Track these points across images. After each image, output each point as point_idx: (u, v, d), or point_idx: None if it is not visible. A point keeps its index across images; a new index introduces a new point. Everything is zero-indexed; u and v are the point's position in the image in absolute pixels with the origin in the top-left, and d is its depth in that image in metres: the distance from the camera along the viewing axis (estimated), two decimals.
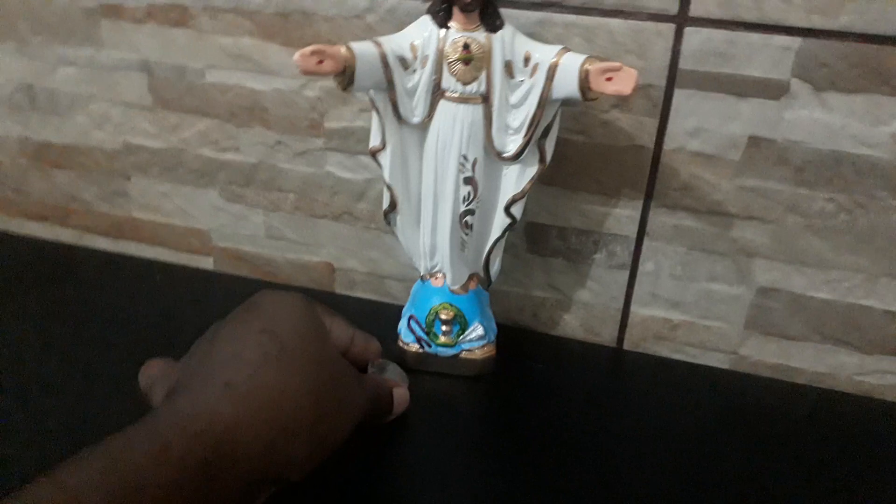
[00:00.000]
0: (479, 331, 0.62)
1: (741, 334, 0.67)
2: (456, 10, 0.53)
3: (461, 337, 0.62)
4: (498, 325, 0.67)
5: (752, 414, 0.63)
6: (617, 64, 0.49)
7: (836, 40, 0.55)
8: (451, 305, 0.61)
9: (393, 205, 0.60)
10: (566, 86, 0.53)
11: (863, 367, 0.66)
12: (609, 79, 0.50)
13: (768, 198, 0.61)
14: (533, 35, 0.59)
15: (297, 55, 0.49)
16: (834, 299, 0.64)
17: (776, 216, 0.62)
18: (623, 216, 0.66)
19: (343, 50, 0.51)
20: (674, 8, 0.57)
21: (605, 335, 0.72)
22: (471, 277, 0.63)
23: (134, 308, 0.72)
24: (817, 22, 0.55)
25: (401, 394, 0.55)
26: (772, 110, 0.58)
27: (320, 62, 0.50)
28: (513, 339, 0.70)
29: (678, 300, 0.68)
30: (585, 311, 0.71)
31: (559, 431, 0.59)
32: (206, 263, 0.81)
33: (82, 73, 0.74)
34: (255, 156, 0.73)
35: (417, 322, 0.62)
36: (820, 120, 0.58)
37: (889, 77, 0.55)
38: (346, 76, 0.52)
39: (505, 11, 0.57)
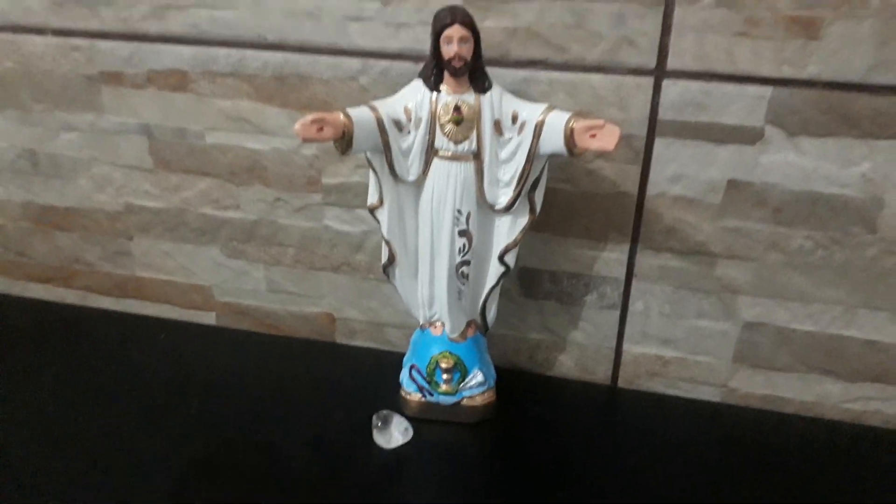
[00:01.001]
0: (479, 377, 0.64)
1: (730, 368, 0.70)
2: (446, 74, 0.56)
3: (462, 384, 0.64)
4: (496, 368, 0.69)
5: (745, 445, 0.66)
6: (600, 122, 0.52)
7: (805, 88, 0.59)
8: (450, 354, 0.64)
9: (391, 258, 0.62)
10: (553, 142, 0.56)
11: (847, 394, 0.68)
12: (593, 135, 0.53)
13: (749, 237, 0.64)
14: (519, 91, 0.62)
15: (297, 125, 0.51)
16: (816, 331, 0.66)
17: (757, 254, 0.65)
18: (611, 259, 0.69)
19: (341, 117, 0.54)
20: (652, 62, 0.60)
21: (600, 374, 0.74)
22: (469, 325, 0.66)
23: (140, 366, 0.74)
24: (787, 72, 0.58)
25: None
26: (748, 155, 0.61)
27: (320, 129, 0.53)
28: (511, 381, 0.72)
29: (668, 337, 0.70)
30: (580, 351, 0.74)
31: (560, 471, 0.61)
32: (209, 319, 0.83)
33: (84, 137, 0.77)
34: (256, 213, 0.75)
35: (419, 371, 0.64)
36: (794, 163, 0.61)
37: (857, 121, 0.58)
38: (344, 141, 0.55)
39: (492, 70, 0.60)
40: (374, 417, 0.62)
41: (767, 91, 0.59)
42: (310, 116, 0.52)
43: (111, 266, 0.83)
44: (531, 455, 0.63)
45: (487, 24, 0.62)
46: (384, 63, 0.65)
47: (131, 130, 0.75)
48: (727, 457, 0.64)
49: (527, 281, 0.72)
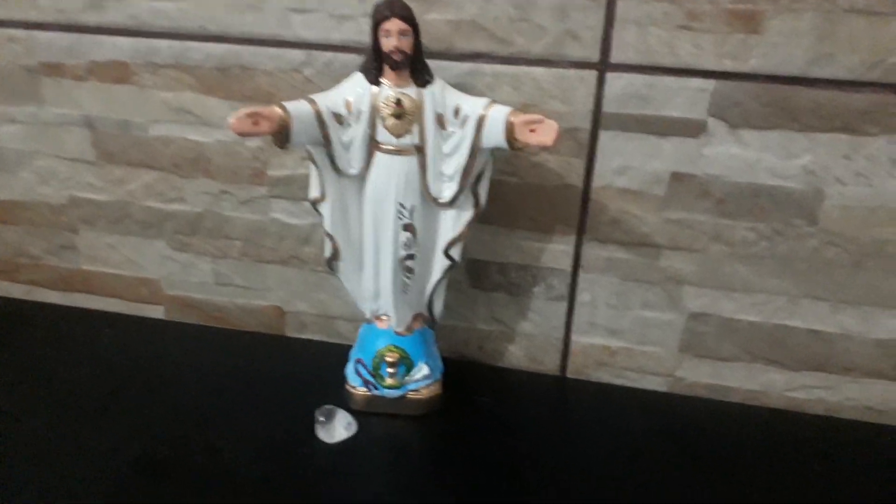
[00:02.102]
0: (425, 370, 0.64)
1: (676, 358, 0.71)
2: (387, 68, 0.55)
3: (407, 378, 0.64)
4: (445, 359, 0.69)
5: (692, 434, 0.66)
6: (539, 116, 0.52)
7: (747, 81, 0.59)
8: (396, 347, 0.63)
9: (335, 252, 0.62)
10: (494, 136, 0.55)
11: (791, 383, 0.69)
12: (532, 130, 0.53)
13: (693, 228, 0.65)
14: (464, 84, 0.62)
15: (232, 118, 0.51)
16: (760, 321, 0.67)
17: (701, 245, 0.65)
18: (558, 251, 0.69)
19: (278, 110, 0.53)
20: (595, 56, 0.60)
21: (549, 364, 0.74)
22: (415, 318, 0.66)
23: (84, 361, 0.73)
24: (729, 65, 0.59)
25: None
26: (691, 147, 0.62)
27: (256, 123, 0.52)
28: (460, 372, 0.72)
29: (615, 328, 0.71)
30: (529, 341, 0.74)
31: (508, 462, 0.61)
32: (157, 312, 0.82)
33: (26, 130, 0.75)
34: (201, 205, 0.74)
35: (364, 365, 0.64)
36: (737, 155, 0.61)
37: (797, 114, 0.59)
38: (282, 135, 0.54)
39: (436, 63, 0.60)
40: (317, 412, 0.62)
41: (710, 84, 0.59)
42: (245, 110, 0.51)
43: (56, 260, 0.82)
44: (478, 446, 0.63)
45: (431, 17, 0.61)
46: (328, 55, 0.64)
47: (74, 123, 0.74)
48: (674, 446, 0.65)
49: (475, 272, 0.72)
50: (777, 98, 0.58)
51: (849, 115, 0.58)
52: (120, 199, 0.76)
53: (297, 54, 0.65)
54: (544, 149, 0.59)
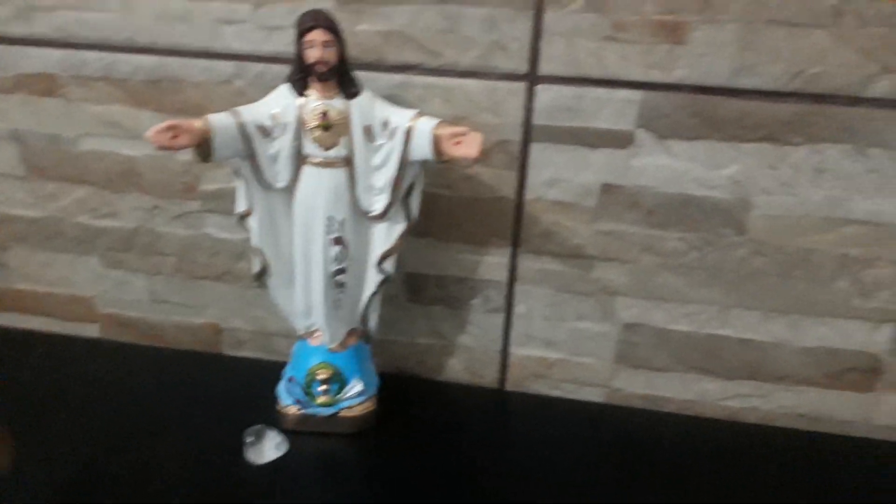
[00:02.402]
0: (359, 387, 0.64)
1: (612, 368, 0.71)
2: (313, 79, 0.55)
3: (340, 395, 0.63)
4: (385, 374, 0.69)
5: (628, 444, 0.67)
6: (463, 129, 0.52)
7: (673, 92, 0.60)
8: (329, 365, 0.63)
9: (265, 268, 0.61)
10: (421, 149, 0.55)
11: (725, 392, 0.70)
12: (457, 143, 0.53)
13: (624, 240, 0.65)
14: (395, 97, 0.62)
15: (150, 132, 0.50)
16: (693, 331, 0.68)
17: (633, 256, 0.66)
18: (494, 263, 0.69)
19: (199, 123, 0.53)
20: (524, 67, 0.61)
21: (488, 377, 0.74)
22: (350, 333, 0.65)
23: (15, 383, 0.71)
24: (655, 76, 0.59)
25: None
26: (620, 159, 0.62)
27: (175, 137, 0.51)
28: (400, 388, 0.71)
29: (551, 339, 0.71)
30: (468, 354, 0.74)
31: (444, 478, 0.61)
32: (93, 331, 0.80)
33: None
34: (134, 221, 0.73)
35: (296, 383, 0.63)
36: (665, 166, 0.62)
37: (723, 125, 0.60)
38: (204, 149, 0.53)
39: (367, 75, 0.60)
40: (246, 433, 0.61)
41: (637, 95, 0.60)
42: (163, 123, 0.51)
43: None
44: (415, 462, 0.62)
45: (361, 28, 0.61)
46: (259, 66, 0.64)
47: (2, 136, 0.72)
48: (611, 456, 0.65)
49: (413, 286, 0.71)
50: (703, 108, 0.59)
51: (773, 125, 0.59)
52: (51, 215, 0.75)
53: (227, 66, 0.64)
54: (470, 161, 0.59)
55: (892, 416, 0.68)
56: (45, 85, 0.69)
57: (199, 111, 0.61)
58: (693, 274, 0.65)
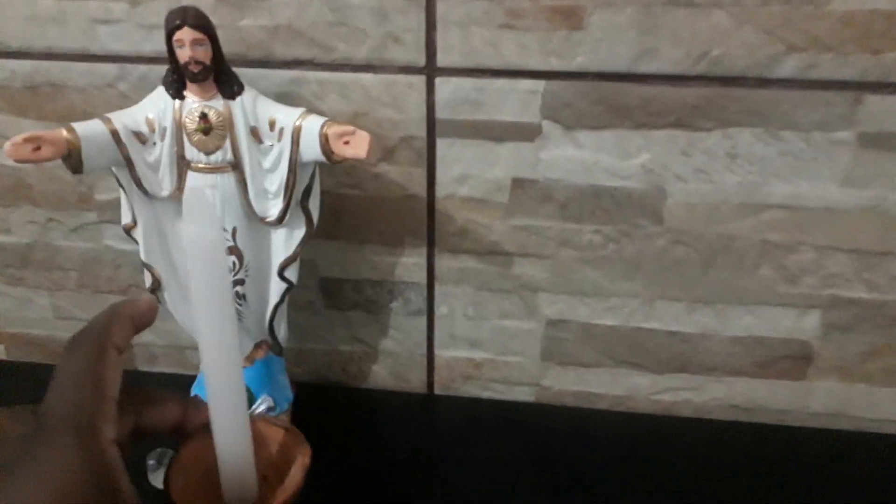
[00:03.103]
0: (269, 402, 0.60)
1: (540, 366, 0.68)
2: (188, 80, 0.51)
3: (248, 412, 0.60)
4: (307, 384, 0.66)
5: (561, 443, 0.65)
6: (350, 128, 0.49)
7: (575, 80, 0.57)
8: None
9: (157, 282, 0.57)
10: (312, 149, 0.52)
11: (656, 386, 0.68)
12: (346, 142, 0.50)
13: (540, 234, 0.62)
14: (289, 94, 0.58)
15: (7, 145, 0.46)
16: (618, 325, 0.65)
17: (550, 251, 0.63)
18: (411, 264, 0.66)
19: (64, 132, 0.49)
20: (421, 60, 0.57)
21: (416, 381, 0.71)
22: (258, 346, 0.61)
23: None
24: (556, 64, 0.56)
25: None
26: (528, 152, 0.59)
27: (37, 149, 0.47)
28: (324, 397, 0.69)
29: (476, 339, 0.68)
30: (392, 359, 0.71)
31: (370, 488, 0.59)
32: None
33: None
34: (28, 235, 0.69)
35: (201, 402, 0.59)
36: (574, 157, 0.59)
37: (629, 112, 0.57)
38: (72, 159, 0.49)
39: (257, 72, 0.57)
40: (149, 457, 0.58)
41: (539, 85, 0.57)
42: (22, 135, 0.47)
43: None
44: (338, 473, 0.59)
45: (245, 23, 0.57)
46: (142, 67, 0.60)
47: None
48: (544, 457, 0.63)
49: (329, 291, 0.68)
50: (607, 96, 0.56)
51: (681, 111, 0.56)
52: None
53: (109, 68, 0.60)
54: (359, 161, 0.56)
55: (825, 403, 0.67)
56: None
57: (84, 117, 0.57)
58: (612, 266, 0.63)
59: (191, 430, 0.38)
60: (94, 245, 0.68)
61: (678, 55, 0.54)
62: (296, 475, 0.41)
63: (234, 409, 0.37)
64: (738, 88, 0.55)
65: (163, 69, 0.59)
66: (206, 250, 0.35)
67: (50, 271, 0.70)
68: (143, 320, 0.36)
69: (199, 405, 0.39)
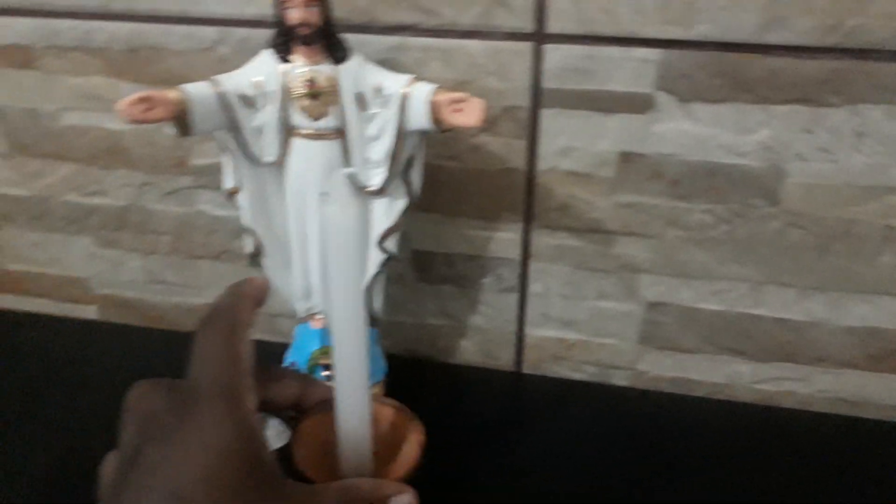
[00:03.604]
0: None
1: (636, 350, 0.66)
2: (296, 43, 0.50)
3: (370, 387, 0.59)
4: (396, 357, 0.64)
5: (655, 429, 0.62)
6: (463, 95, 0.47)
7: (694, 50, 0.54)
8: (331, 349, 0.58)
9: (258, 248, 0.57)
10: (419, 117, 0.50)
11: (758, 374, 0.65)
12: (457, 110, 0.48)
13: (646, 213, 0.60)
14: (390, 61, 0.57)
15: (121, 104, 0.45)
16: (723, 310, 0.63)
17: (656, 231, 0.60)
18: (506, 239, 0.64)
19: (174, 94, 0.48)
20: (529, 26, 0.55)
21: (504, 359, 0.70)
22: None
23: (17, 364, 0.68)
24: (674, 32, 0.53)
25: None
26: (639, 124, 0.56)
27: (149, 109, 0.47)
28: (412, 371, 0.67)
29: (570, 319, 0.66)
30: (481, 336, 0.69)
31: (459, 462, 0.57)
32: (90, 313, 0.77)
33: None
34: (124, 198, 0.69)
35: (298, 368, 0.59)
36: (688, 132, 0.56)
37: (751, 85, 0.54)
38: (182, 121, 0.48)
39: (359, 38, 0.55)
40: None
41: (655, 54, 0.54)
42: (135, 95, 0.46)
43: None
44: (427, 447, 0.58)
45: None
46: (243, 31, 0.59)
47: None
48: (637, 443, 0.61)
49: (420, 265, 0.67)
50: (728, 68, 0.53)
51: (807, 85, 0.53)
52: (38, 193, 0.71)
53: (209, 32, 0.60)
54: (474, 130, 0.54)
55: None
56: (19, 56, 0.64)
57: (182, 80, 0.56)
58: (722, 249, 0.60)
59: (306, 406, 0.40)
60: (187, 210, 0.68)
61: (808, 25, 0.51)
62: (412, 451, 0.41)
63: (358, 383, 0.37)
64: (871, 62, 0.51)
65: (263, 33, 0.57)
66: (344, 230, 0.35)
67: (144, 235, 0.71)
68: (262, 299, 0.38)
69: (316, 383, 0.40)
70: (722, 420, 0.64)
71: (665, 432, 0.62)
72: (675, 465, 0.58)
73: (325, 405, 0.38)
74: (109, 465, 0.35)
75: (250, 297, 0.37)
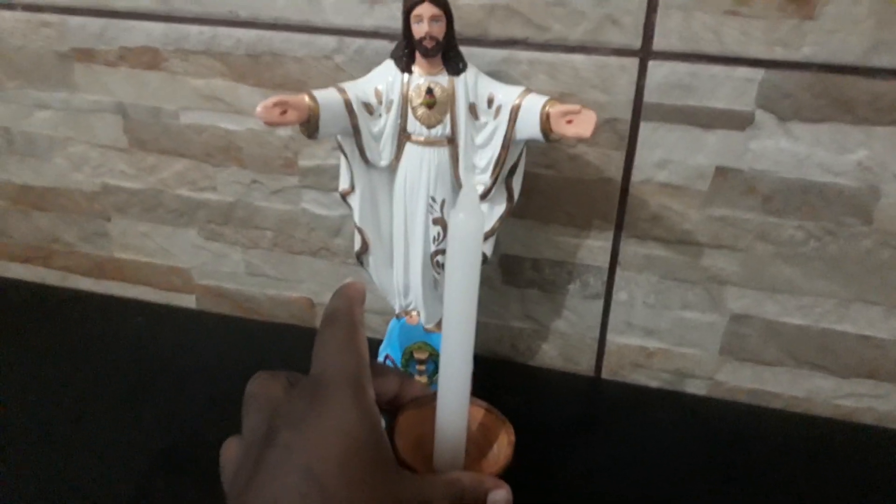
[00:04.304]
0: None
1: (717, 361, 0.68)
2: (418, 55, 0.53)
3: (436, 376, 0.62)
4: (477, 357, 0.66)
5: (732, 440, 0.64)
6: (577, 107, 0.50)
7: (798, 71, 0.56)
8: (426, 344, 0.61)
9: (365, 246, 0.60)
10: (529, 127, 0.53)
11: (839, 390, 0.66)
12: (569, 121, 0.50)
13: (737, 226, 0.62)
14: (498, 73, 0.59)
15: (259, 108, 0.49)
16: (807, 325, 0.64)
17: (746, 244, 0.62)
18: (595, 247, 0.66)
19: (307, 99, 0.51)
20: (637, 43, 0.57)
21: (584, 364, 0.72)
22: None
23: (116, 350, 0.73)
24: (779, 53, 0.55)
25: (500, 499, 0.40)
26: (737, 141, 0.58)
27: (283, 112, 0.50)
28: (492, 371, 0.70)
29: (653, 328, 0.68)
30: (563, 340, 0.72)
31: (537, 463, 0.59)
32: (189, 302, 0.81)
33: (58, 116, 0.75)
34: (232, 194, 0.73)
35: (393, 362, 0.62)
36: (786, 149, 0.58)
37: (852, 106, 0.55)
38: (310, 125, 0.52)
39: (470, 50, 0.58)
40: None
41: (758, 73, 0.56)
42: (272, 99, 0.50)
43: (90, 247, 0.82)
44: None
45: (464, 2, 0.59)
46: (359, 41, 0.63)
47: (105, 109, 0.73)
48: (713, 452, 0.62)
49: (508, 268, 0.70)
50: (831, 88, 0.55)
51: None
52: (152, 186, 0.76)
53: (328, 41, 0.63)
54: (581, 141, 0.57)
55: None
56: (148, 58, 0.69)
57: (299, 86, 0.61)
58: (811, 265, 0.61)
59: (403, 402, 0.42)
60: (291, 207, 0.72)
61: None
62: (504, 450, 0.43)
63: (461, 382, 0.40)
64: None
65: (378, 44, 0.61)
66: (468, 237, 0.38)
67: (247, 229, 0.75)
68: (364, 300, 0.42)
69: (412, 381, 0.43)
70: (799, 433, 0.66)
71: (740, 443, 0.64)
72: (749, 476, 0.60)
73: (420, 401, 0.41)
74: (231, 450, 0.37)
75: (357, 299, 0.41)
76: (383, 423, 0.36)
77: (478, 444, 0.45)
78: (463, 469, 0.43)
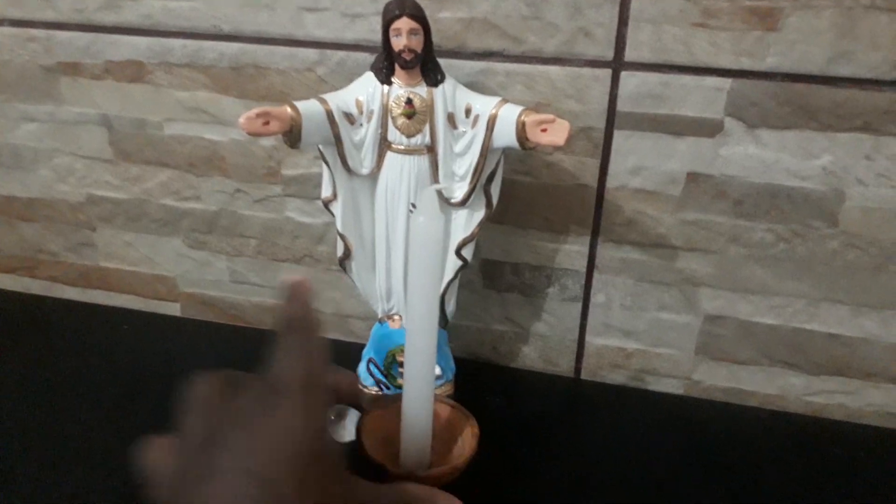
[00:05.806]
0: (437, 371, 0.64)
1: (693, 360, 0.70)
2: (398, 67, 0.55)
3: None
4: (459, 359, 0.69)
5: (708, 438, 0.66)
6: (550, 116, 0.51)
7: (764, 80, 0.58)
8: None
9: (347, 252, 0.62)
10: (505, 136, 0.55)
11: (810, 387, 0.68)
12: (544, 130, 0.52)
13: (710, 230, 0.64)
14: (476, 83, 0.61)
15: (242, 119, 0.50)
16: (779, 324, 0.66)
17: (718, 247, 0.64)
18: (572, 251, 0.68)
19: (289, 110, 0.53)
20: (609, 54, 0.59)
21: (563, 365, 0.74)
22: None
23: (102, 358, 0.73)
24: (746, 63, 0.57)
25: None
26: (708, 147, 0.61)
27: (266, 123, 0.52)
28: (474, 373, 0.71)
29: (630, 329, 0.70)
30: (543, 342, 0.73)
31: (518, 463, 0.61)
32: (174, 309, 0.82)
33: (44, 128, 0.76)
34: (216, 203, 0.74)
35: (376, 365, 0.64)
36: (754, 155, 0.60)
37: (816, 113, 0.58)
38: (293, 135, 0.54)
39: (448, 62, 0.60)
40: (329, 411, 0.62)
41: (726, 83, 0.58)
42: (255, 110, 0.51)
43: (75, 256, 0.82)
44: (489, 447, 0.62)
45: (443, 15, 0.61)
46: (341, 54, 0.64)
47: (91, 121, 0.74)
48: (690, 450, 0.64)
49: (489, 273, 0.71)
50: (795, 97, 0.57)
51: (870, 115, 0.56)
52: (137, 197, 0.77)
53: (310, 53, 0.65)
54: (556, 149, 0.59)
55: None
56: (132, 72, 0.70)
57: (281, 98, 0.62)
58: (781, 266, 0.64)
59: (347, 398, 0.45)
60: (275, 216, 0.73)
61: (875, 60, 0.55)
62: (469, 442, 0.45)
63: (425, 379, 0.41)
64: None
65: (359, 56, 0.63)
66: (428, 239, 0.39)
67: (231, 238, 0.76)
68: (314, 297, 0.41)
69: (354, 378, 0.46)
70: (772, 430, 0.67)
71: (717, 440, 0.65)
72: (726, 472, 0.61)
73: (385, 401, 0.44)
74: (160, 451, 0.37)
75: (310, 297, 0.40)
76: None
77: (443, 440, 0.47)
78: (430, 464, 0.44)
